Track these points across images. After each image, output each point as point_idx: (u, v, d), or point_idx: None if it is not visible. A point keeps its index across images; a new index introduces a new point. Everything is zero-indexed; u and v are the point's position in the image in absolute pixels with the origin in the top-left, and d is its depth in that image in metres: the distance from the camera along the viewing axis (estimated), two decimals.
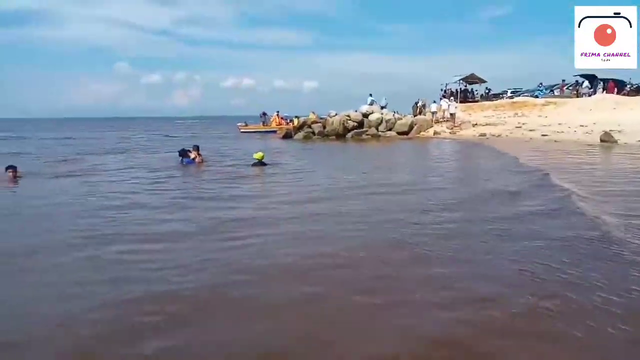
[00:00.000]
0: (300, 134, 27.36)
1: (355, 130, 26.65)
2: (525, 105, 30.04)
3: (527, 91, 36.15)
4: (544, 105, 29.36)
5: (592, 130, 20.01)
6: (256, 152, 13.15)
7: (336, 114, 28.13)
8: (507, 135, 22.41)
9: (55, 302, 3.78)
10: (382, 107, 29.15)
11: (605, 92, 28.89)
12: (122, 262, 4.74)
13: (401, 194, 8.63)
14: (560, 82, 34.11)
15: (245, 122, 37.19)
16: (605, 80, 29.85)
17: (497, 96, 37.25)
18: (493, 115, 29.06)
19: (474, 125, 26.14)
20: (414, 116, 28.99)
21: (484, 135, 23.05)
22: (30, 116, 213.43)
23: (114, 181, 10.89)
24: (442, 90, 36.20)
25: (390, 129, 26.71)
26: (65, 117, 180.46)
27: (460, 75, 36.58)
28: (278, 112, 35.28)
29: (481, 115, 29.67)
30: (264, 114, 36.15)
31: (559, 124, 23.35)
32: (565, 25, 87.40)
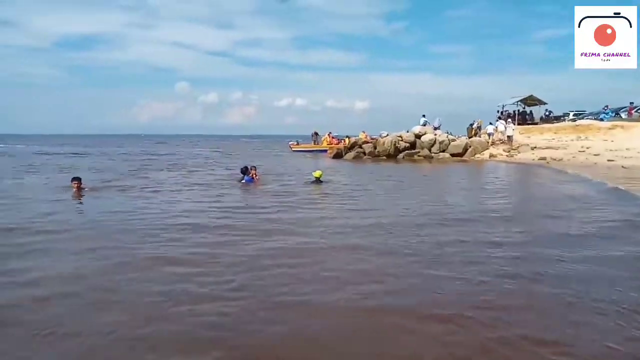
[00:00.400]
0: (350, 154, 27.38)
1: (407, 151, 26.38)
2: (589, 129, 28.49)
3: (591, 114, 34.41)
4: (609, 129, 27.72)
5: None
6: (315, 171, 13.58)
7: (387, 135, 28.01)
8: (569, 160, 21.30)
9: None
10: (435, 128, 28.69)
11: None
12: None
13: (481, 223, 7.89)
14: (628, 104, 32.22)
15: (297, 141, 37.84)
16: None
17: (558, 119, 35.71)
18: (554, 139, 27.78)
19: (533, 148, 25.09)
20: (469, 138, 28.31)
21: (543, 159, 22.04)
22: (95, 132, 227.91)
23: (172, 200, 10.75)
24: (498, 111, 35.18)
25: (443, 151, 26.23)
26: (126, 133, 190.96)
27: (518, 97, 35.43)
28: (330, 132, 35.56)
29: (540, 138, 28.47)
30: (316, 133, 36.61)
31: (627, 149, 21.95)
32: None
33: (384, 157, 26.20)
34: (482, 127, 29.08)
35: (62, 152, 36.52)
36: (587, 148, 23.63)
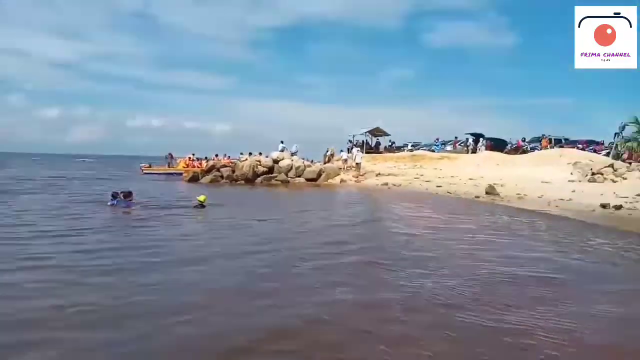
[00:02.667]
0: (207, 177, 26.75)
1: (265, 176, 26.83)
2: (423, 158, 32.53)
3: (425, 145, 39.32)
4: (439, 159, 32.03)
5: (479, 184, 21.99)
6: (200, 195, 13.65)
7: (246, 158, 28.14)
8: (406, 185, 23.90)
9: None
10: (292, 154, 29.82)
11: (485, 149, 32.45)
12: None
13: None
14: (454, 138, 37.71)
15: (149, 164, 35.56)
16: (488, 139, 33.69)
17: (399, 149, 39.99)
18: (395, 167, 31.00)
19: (377, 174, 27.66)
20: (324, 164, 30.06)
21: (386, 184, 24.41)
22: None
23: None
24: (349, 141, 38.16)
25: (299, 176, 27.31)
26: None
27: (366, 128, 38.91)
28: (193, 154, 33.62)
29: (384, 165, 31.52)
30: (171, 155, 34.90)
31: (452, 176, 25.45)
32: (459, 91, 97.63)
33: (242, 181, 26.21)
34: (334, 154, 31.15)
35: None
36: (421, 175, 26.84)
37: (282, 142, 31.15)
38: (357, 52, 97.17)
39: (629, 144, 25.92)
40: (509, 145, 34.17)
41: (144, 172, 33.30)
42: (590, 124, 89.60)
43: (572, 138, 33.33)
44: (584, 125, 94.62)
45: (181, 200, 15.70)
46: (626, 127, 26.08)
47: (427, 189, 22.35)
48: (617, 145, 27.15)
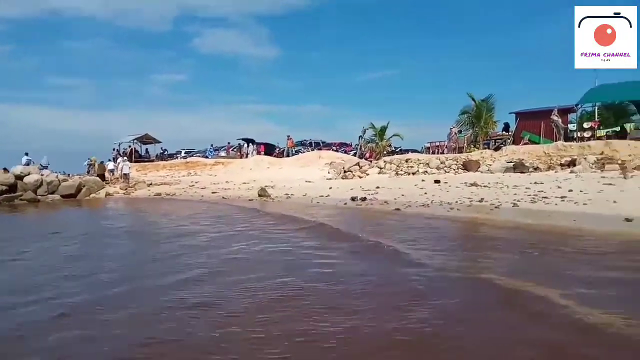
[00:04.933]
0: None
1: (6, 195, 22.16)
2: (197, 165, 32.29)
3: (199, 152, 39.13)
4: (213, 165, 32.30)
5: (252, 187, 23.00)
6: None
7: None
8: (181, 194, 23.22)
9: None
10: (42, 168, 25.58)
11: (257, 153, 34.54)
12: None
13: None
14: (227, 144, 38.59)
15: None
16: (259, 144, 35.84)
17: (172, 156, 38.68)
18: (168, 175, 29.83)
19: (149, 185, 26.07)
20: (97, 175, 26.91)
21: (159, 194, 23.19)
22: None
23: None
24: (115, 149, 35.00)
25: (53, 192, 23.52)
26: None
27: (134, 135, 36.33)
28: None
29: (157, 175, 30.01)
30: None
31: (227, 182, 25.98)
32: (230, 97, 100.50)
33: None
34: (94, 164, 28.14)
35: None
36: (197, 182, 26.55)
37: (26, 154, 26.53)
38: (123, 53, 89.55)
39: (369, 145, 31.49)
40: (277, 149, 36.97)
41: None
42: (341, 128, 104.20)
43: (328, 141, 38.38)
44: (337, 130, 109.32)
45: None
46: (366, 131, 31.45)
47: (202, 196, 22.18)
48: (360, 146, 32.50)
